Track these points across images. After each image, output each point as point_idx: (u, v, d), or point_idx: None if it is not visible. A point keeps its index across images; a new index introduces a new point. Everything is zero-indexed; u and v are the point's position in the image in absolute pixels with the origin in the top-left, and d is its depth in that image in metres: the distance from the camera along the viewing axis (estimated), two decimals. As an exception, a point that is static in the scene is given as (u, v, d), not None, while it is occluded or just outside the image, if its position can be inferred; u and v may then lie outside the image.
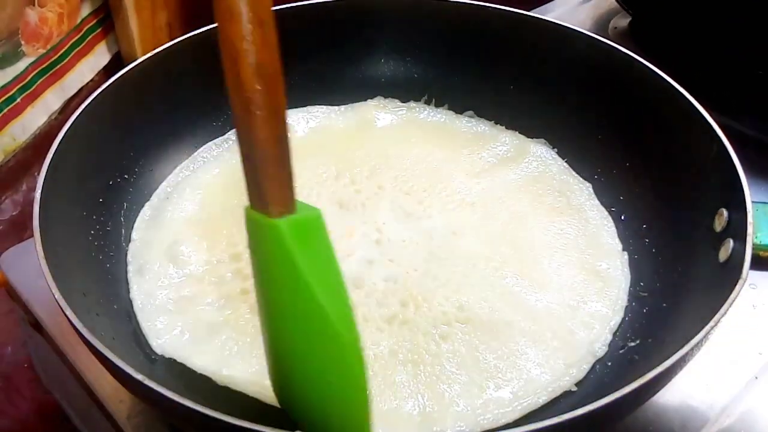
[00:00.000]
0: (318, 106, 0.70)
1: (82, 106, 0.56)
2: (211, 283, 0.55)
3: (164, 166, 0.64)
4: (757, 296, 0.58)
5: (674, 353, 0.40)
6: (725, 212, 0.50)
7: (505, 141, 0.68)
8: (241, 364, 0.50)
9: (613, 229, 0.60)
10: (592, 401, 0.38)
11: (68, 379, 0.58)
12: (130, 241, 0.58)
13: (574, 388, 0.50)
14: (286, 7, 0.67)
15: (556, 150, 0.67)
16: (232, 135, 0.67)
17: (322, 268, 0.37)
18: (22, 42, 0.81)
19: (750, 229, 0.46)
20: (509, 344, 0.51)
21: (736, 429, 0.51)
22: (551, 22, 0.66)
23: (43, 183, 0.50)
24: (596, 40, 0.64)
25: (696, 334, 0.41)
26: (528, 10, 0.68)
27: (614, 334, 0.53)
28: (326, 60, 0.70)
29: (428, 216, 0.60)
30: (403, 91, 0.71)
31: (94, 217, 0.56)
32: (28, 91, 0.84)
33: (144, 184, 0.62)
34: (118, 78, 0.59)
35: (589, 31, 0.64)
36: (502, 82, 0.69)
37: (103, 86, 0.58)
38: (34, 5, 0.82)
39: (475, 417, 0.47)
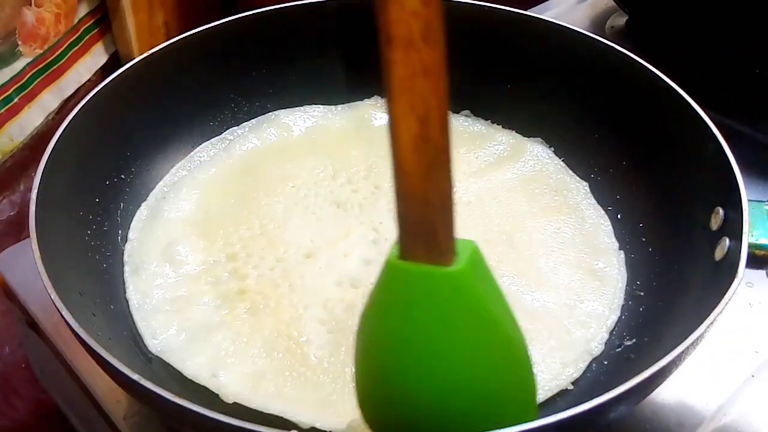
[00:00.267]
0: (315, 106, 0.70)
1: (78, 107, 0.55)
2: (208, 283, 0.55)
3: (161, 166, 0.64)
4: (753, 295, 0.58)
5: (670, 352, 0.40)
6: (721, 211, 0.50)
7: (501, 140, 0.68)
8: (237, 364, 0.50)
9: (610, 228, 0.60)
10: (589, 400, 0.38)
11: (65, 379, 0.58)
12: (126, 240, 0.58)
13: (571, 387, 0.50)
14: (283, 6, 0.67)
15: (552, 149, 0.67)
16: (228, 135, 0.67)
17: (498, 298, 0.36)
18: (19, 42, 0.82)
19: (746, 228, 0.46)
20: (506, 343, 0.51)
21: (732, 427, 0.51)
22: (548, 21, 0.66)
23: (40, 183, 0.50)
24: (593, 39, 0.64)
25: (692, 332, 0.41)
26: (525, 10, 0.68)
27: (611, 333, 0.53)
28: (323, 59, 0.70)
29: (425, 215, 0.60)
30: (400, 90, 0.71)
31: (91, 217, 0.56)
32: (26, 92, 0.85)
33: (141, 183, 0.62)
34: (114, 78, 0.59)
35: (586, 30, 0.64)
36: (499, 81, 0.69)
37: (100, 86, 0.58)
38: (31, 5, 0.82)
39: (471, 416, 0.47)
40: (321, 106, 0.70)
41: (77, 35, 0.90)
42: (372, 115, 0.70)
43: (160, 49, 0.62)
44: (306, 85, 0.70)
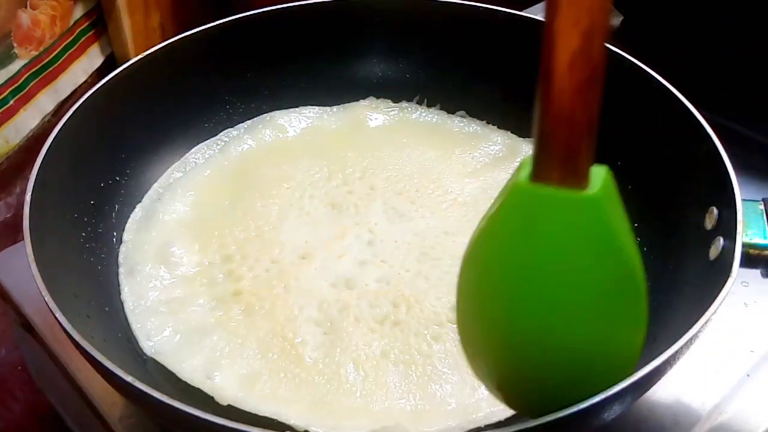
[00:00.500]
0: (310, 107, 0.70)
1: (73, 108, 0.56)
2: (203, 285, 0.55)
3: (156, 168, 0.64)
4: (748, 294, 0.58)
5: (664, 351, 0.40)
6: (715, 210, 0.50)
7: (497, 140, 0.68)
8: (232, 365, 0.50)
9: (605, 228, 0.60)
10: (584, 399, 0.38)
11: (61, 381, 0.58)
12: (121, 242, 0.58)
13: (566, 387, 0.50)
14: (278, 8, 0.67)
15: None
16: (223, 136, 0.67)
17: (627, 230, 0.35)
18: (15, 44, 0.81)
19: (740, 227, 0.46)
20: (501, 343, 0.51)
21: (728, 426, 0.51)
22: (544, 22, 0.66)
23: (34, 185, 0.50)
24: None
25: (686, 332, 0.41)
26: (520, 10, 0.68)
27: (606, 333, 0.53)
28: (318, 60, 0.70)
29: (421, 216, 0.60)
30: (396, 91, 0.71)
31: (86, 219, 0.56)
32: (21, 94, 0.84)
33: (135, 185, 0.62)
34: (109, 80, 0.59)
35: (581, 30, 0.64)
36: (494, 81, 0.69)
37: (94, 88, 0.58)
38: (26, 7, 0.82)
39: (467, 415, 0.47)
40: (316, 107, 0.70)
41: (73, 37, 0.90)
42: (367, 116, 0.70)
43: (155, 51, 0.62)
44: (301, 86, 0.70)
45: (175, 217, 0.60)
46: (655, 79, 0.58)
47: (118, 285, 0.55)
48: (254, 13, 0.67)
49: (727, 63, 0.74)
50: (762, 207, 0.49)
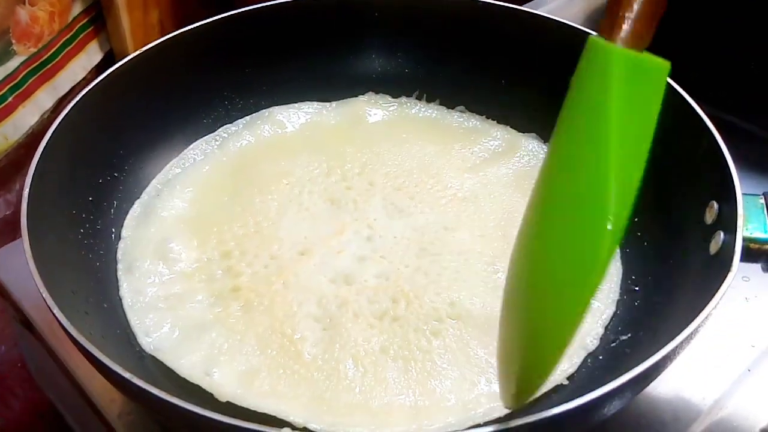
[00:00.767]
0: (309, 102, 0.70)
1: (71, 104, 0.55)
2: (201, 281, 0.55)
3: (154, 164, 0.63)
4: (749, 289, 0.58)
5: (665, 346, 0.40)
6: (716, 205, 0.49)
7: (496, 136, 0.67)
8: (231, 362, 0.50)
9: (605, 222, 0.59)
10: (583, 394, 0.38)
11: (60, 378, 0.58)
12: (119, 239, 0.58)
13: (566, 382, 0.49)
14: (277, 3, 0.67)
15: (547, 144, 0.66)
16: (222, 132, 0.67)
17: (631, 120, 0.35)
18: (13, 41, 0.81)
19: (740, 222, 0.46)
20: (501, 339, 0.51)
21: (728, 421, 0.51)
22: (543, 16, 0.66)
23: (32, 181, 0.50)
24: (588, 35, 0.63)
25: (686, 326, 0.41)
26: (520, 5, 0.68)
27: (606, 328, 0.53)
28: (317, 56, 0.70)
29: (420, 212, 0.60)
30: (395, 86, 0.71)
31: (84, 215, 0.56)
32: (20, 90, 0.84)
33: (134, 181, 0.62)
34: (107, 75, 0.59)
35: (581, 25, 0.64)
36: (494, 76, 0.69)
37: (92, 84, 0.58)
38: (24, 4, 0.82)
39: (466, 411, 0.47)
40: (315, 103, 0.70)
41: (72, 33, 0.90)
42: (366, 112, 0.70)
43: (153, 47, 0.62)
44: (300, 81, 0.70)
45: (173, 213, 0.60)
46: (655, 73, 0.57)
47: (117, 281, 0.55)
48: (252, 9, 0.66)
49: (728, 57, 0.74)
50: (762, 201, 0.48)
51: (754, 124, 0.71)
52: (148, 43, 0.62)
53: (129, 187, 0.61)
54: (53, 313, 0.42)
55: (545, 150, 0.66)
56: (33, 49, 0.84)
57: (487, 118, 0.69)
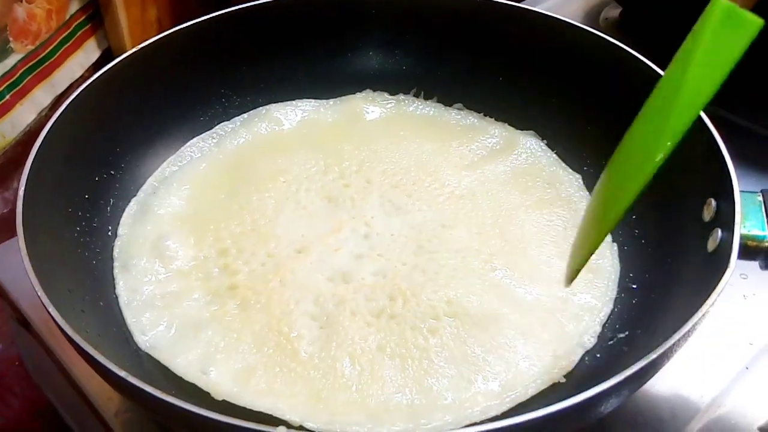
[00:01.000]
0: (307, 100, 0.70)
1: (67, 102, 0.55)
2: (198, 279, 0.55)
3: (151, 162, 0.63)
4: (747, 286, 0.58)
5: (662, 343, 0.40)
6: (714, 202, 0.49)
7: (494, 133, 0.67)
8: (227, 360, 0.49)
9: (603, 220, 0.59)
10: (581, 392, 0.38)
11: (57, 376, 0.58)
12: (116, 236, 0.58)
13: (563, 380, 0.49)
14: (275, 1, 0.67)
15: (545, 142, 0.66)
16: (219, 129, 0.67)
17: (712, 62, 0.39)
18: (11, 38, 0.81)
19: (738, 219, 0.46)
20: (498, 337, 0.51)
21: (726, 419, 0.51)
22: (542, 13, 0.66)
23: (27, 179, 0.50)
24: (587, 32, 0.63)
25: (684, 324, 0.41)
26: (519, 2, 0.68)
27: (603, 326, 0.53)
28: (314, 53, 0.70)
29: (417, 209, 0.60)
30: (392, 84, 0.71)
31: (80, 213, 0.56)
32: (17, 88, 0.84)
33: (130, 179, 0.62)
34: (103, 73, 0.59)
35: (580, 22, 0.64)
36: (492, 74, 0.69)
37: (88, 81, 0.57)
38: (22, 1, 0.81)
39: (463, 410, 0.47)
40: (312, 100, 0.70)
41: (69, 31, 0.89)
42: (364, 109, 0.69)
43: (150, 44, 0.62)
44: (297, 79, 0.69)
45: (170, 211, 0.60)
46: (655, 71, 0.57)
47: (113, 279, 0.55)
48: (250, 6, 0.66)
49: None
50: (760, 198, 0.48)
51: (753, 122, 0.71)
52: (146, 41, 0.62)
53: (125, 185, 0.61)
54: (49, 312, 0.42)
55: (543, 147, 0.66)
56: (30, 47, 0.84)
57: (485, 115, 0.69)
